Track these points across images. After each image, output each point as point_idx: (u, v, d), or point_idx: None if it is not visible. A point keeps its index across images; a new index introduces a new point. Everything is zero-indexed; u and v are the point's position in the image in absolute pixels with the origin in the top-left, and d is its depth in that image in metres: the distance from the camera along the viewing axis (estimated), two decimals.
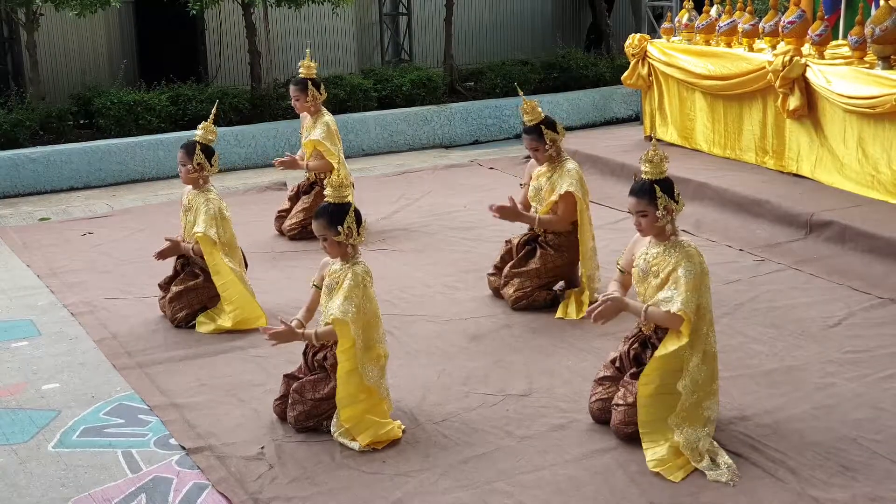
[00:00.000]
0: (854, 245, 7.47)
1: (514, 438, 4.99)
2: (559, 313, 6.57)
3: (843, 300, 6.72)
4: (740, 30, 9.60)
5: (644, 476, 4.60)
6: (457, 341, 6.23)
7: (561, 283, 6.84)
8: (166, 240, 6.62)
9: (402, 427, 5.05)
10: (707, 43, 10.07)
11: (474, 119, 13.05)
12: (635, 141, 10.96)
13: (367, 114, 12.48)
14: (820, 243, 7.70)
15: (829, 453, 4.74)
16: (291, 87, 8.44)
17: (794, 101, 8.67)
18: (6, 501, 4.58)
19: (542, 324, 6.45)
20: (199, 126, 6.59)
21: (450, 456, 4.84)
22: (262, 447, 4.95)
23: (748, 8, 9.61)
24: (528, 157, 10.94)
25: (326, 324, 5.00)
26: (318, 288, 5.17)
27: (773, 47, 9.17)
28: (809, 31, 8.77)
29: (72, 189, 10.82)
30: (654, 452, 4.69)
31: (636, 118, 13.11)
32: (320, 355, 5.12)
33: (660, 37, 11.03)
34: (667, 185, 4.83)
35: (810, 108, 8.67)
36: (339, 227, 4.92)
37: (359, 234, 4.98)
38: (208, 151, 6.51)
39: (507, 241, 6.98)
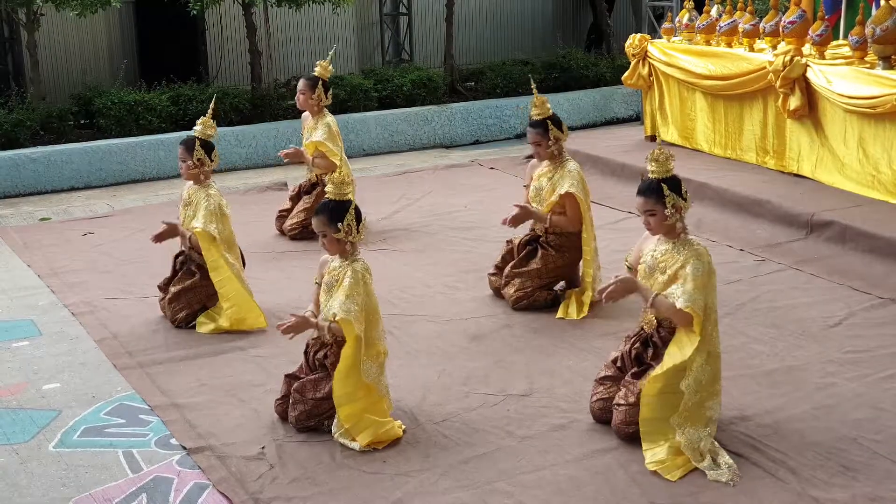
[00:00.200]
0: (855, 245, 7.47)
1: (515, 438, 4.99)
2: (560, 313, 6.57)
3: (843, 300, 6.72)
4: (741, 30, 9.60)
5: (645, 476, 4.60)
6: (457, 341, 6.23)
7: (562, 284, 6.84)
8: (163, 223, 6.61)
9: (403, 427, 5.06)
10: (707, 43, 10.07)
11: (475, 119, 13.05)
12: (636, 141, 10.96)
13: (368, 114, 12.48)
14: (820, 243, 7.70)
15: (829, 453, 4.74)
16: (301, 81, 8.47)
17: (794, 101, 8.67)
18: (7, 501, 4.58)
19: (543, 324, 6.45)
20: (198, 121, 6.59)
21: (450, 456, 4.84)
22: (263, 447, 4.95)
23: (749, 8, 9.61)
24: (529, 157, 10.96)
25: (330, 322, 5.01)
26: (320, 285, 5.18)
27: (774, 47, 9.17)
28: (810, 31, 8.77)
29: (72, 189, 10.82)
30: (653, 454, 4.69)
31: (637, 118, 13.11)
32: (321, 354, 5.12)
33: (660, 37, 11.04)
34: (674, 183, 4.82)
35: (811, 108, 8.67)
36: (339, 225, 4.92)
37: (358, 233, 4.98)
38: (208, 146, 6.51)
39: (508, 241, 6.98)
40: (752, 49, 9.42)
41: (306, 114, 8.55)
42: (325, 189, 5.07)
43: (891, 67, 8.03)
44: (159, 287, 6.74)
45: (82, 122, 11.80)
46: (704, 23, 10.07)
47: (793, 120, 8.88)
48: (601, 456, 4.78)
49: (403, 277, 7.40)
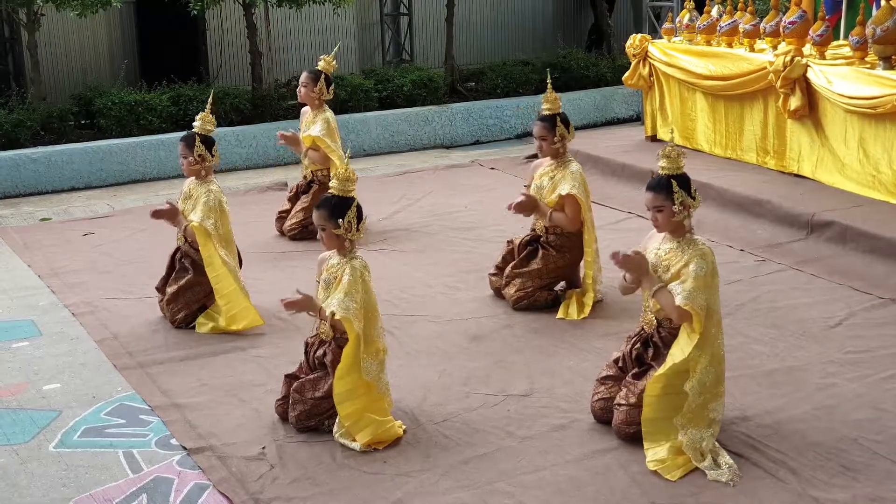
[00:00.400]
0: (855, 245, 7.47)
1: (515, 439, 4.99)
2: (560, 313, 6.57)
3: (844, 300, 6.72)
4: (741, 30, 9.60)
5: (645, 476, 4.60)
6: (458, 341, 6.23)
7: (562, 284, 6.84)
8: (167, 203, 6.61)
9: (403, 427, 5.05)
10: (708, 43, 10.07)
11: (475, 119, 13.05)
12: (636, 141, 10.96)
13: (368, 114, 12.48)
14: (821, 243, 7.70)
15: (829, 454, 4.74)
16: (304, 74, 8.47)
17: (795, 102, 8.67)
18: (7, 501, 4.58)
19: (544, 324, 6.45)
20: (197, 117, 6.59)
21: (451, 456, 4.84)
22: (263, 447, 4.95)
23: (749, 8, 9.61)
24: (529, 157, 10.99)
25: (327, 322, 5.01)
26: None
27: (774, 47, 9.17)
28: (810, 32, 8.77)
29: (73, 189, 10.82)
30: (654, 453, 4.69)
31: (637, 118, 13.11)
32: (320, 352, 5.12)
33: (661, 37, 11.03)
34: (684, 180, 4.82)
35: (811, 109, 8.67)
36: (340, 221, 4.92)
37: (358, 231, 4.98)
38: (208, 142, 6.51)
39: (508, 242, 6.98)
40: (752, 49, 9.41)
41: (306, 108, 8.56)
42: (330, 184, 5.06)
43: (891, 68, 8.02)
44: (157, 288, 6.73)
45: (83, 122, 11.80)
46: (705, 23, 10.06)
47: (793, 120, 8.88)
48: (601, 456, 4.78)
49: (404, 277, 7.40)
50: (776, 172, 9.13)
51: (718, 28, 9.89)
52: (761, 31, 9.35)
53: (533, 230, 6.82)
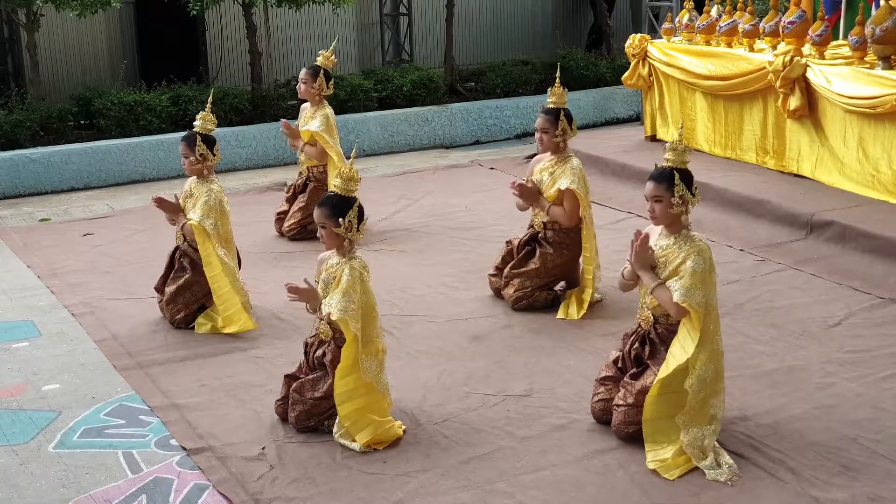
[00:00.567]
0: (855, 245, 7.47)
1: (515, 439, 4.99)
2: (560, 314, 6.57)
3: (843, 300, 6.72)
4: (741, 30, 9.60)
5: (645, 476, 4.60)
6: (457, 342, 6.23)
7: (562, 284, 6.84)
8: (175, 195, 6.61)
9: (403, 427, 5.06)
10: (707, 43, 10.07)
11: (475, 119, 13.05)
12: (636, 141, 10.96)
13: (368, 114, 12.48)
14: (820, 243, 7.70)
15: (829, 453, 4.74)
16: (303, 70, 8.48)
17: (794, 102, 8.67)
18: (6, 502, 4.58)
19: (543, 324, 6.45)
20: (198, 116, 6.58)
21: (450, 456, 4.84)
22: (263, 448, 4.95)
23: (748, 8, 9.61)
24: (529, 157, 10.98)
25: (325, 322, 5.02)
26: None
27: (774, 47, 9.17)
28: (810, 32, 8.77)
29: (72, 190, 10.82)
30: (655, 454, 4.69)
31: (637, 118, 13.11)
32: (319, 352, 5.12)
33: (660, 37, 11.04)
34: (686, 175, 4.83)
35: (811, 109, 8.67)
36: (340, 220, 4.92)
37: (358, 231, 4.98)
38: (209, 141, 6.51)
39: (507, 242, 6.98)
40: (751, 49, 9.41)
41: (306, 103, 8.57)
42: (333, 182, 5.06)
43: (890, 67, 8.03)
44: (156, 288, 6.73)
45: (82, 122, 11.80)
46: (704, 23, 10.07)
47: (793, 120, 8.88)
48: (601, 456, 4.78)
49: (403, 278, 7.40)
50: (776, 172, 9.14)
51: (718, 28, 9.90)
52: (760, 30, 9.35)
53: (531, 227, 6.82)
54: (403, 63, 14.55)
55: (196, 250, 6.44)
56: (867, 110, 8.03)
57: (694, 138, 10.11)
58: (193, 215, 6.40)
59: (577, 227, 6.64)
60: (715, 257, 4.87)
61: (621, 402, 4.88)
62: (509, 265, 6.78)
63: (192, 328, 6.51)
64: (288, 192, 8.74)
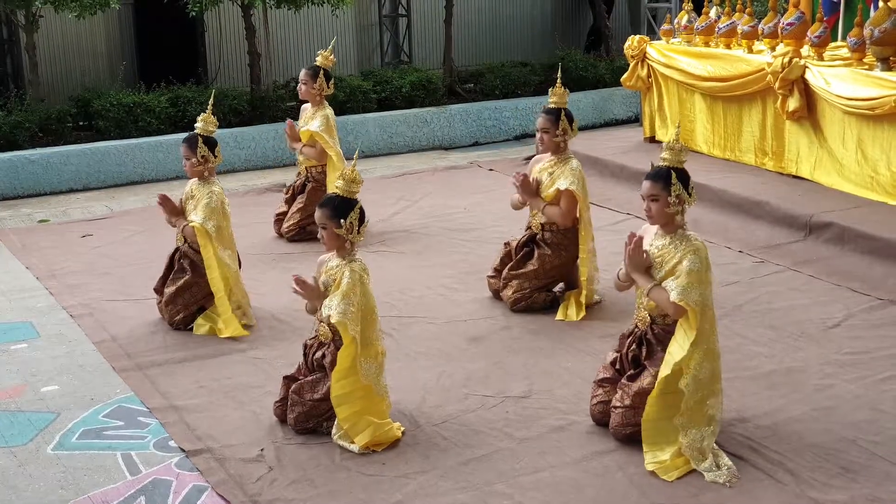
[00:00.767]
0: (853, 246, 7.47)
1: (514, 440, 4.99)
2: (559, 315, 6.57)
3: (842, 301, 6.72)
4: (739, 31, 9.60)
5: (644, 478, 4.60)
6: (456, 343, 6.23)
7: (560, 285, 6.84)
8: (181, 199, 6.61)
9: (402, 429, 5.06)
10: (706, 44, 10.07)
11: (474, 121, 13.05)
12: (635, 142, 10.96)
13: (367, 115, 12.48)
14: (819, 245, 7.70)
15: (828, 455, 4.74)
16: (303, 71, 8.50)
17: (793, 103, 8.67)
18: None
19: (542, 325, 6.46)
20: (199, 118, 6.59)
21: (449, 458, 4.84)
22: (262, 449, 4.95)
23: (747, 10, 9.61)
24: (528, 159, 10.98)
25: (325, 324, 5.02)
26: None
27: (773, 49, 9.17)
28: (808, 33, 8.77)
29: (71, 191, 10.82)
30: (653, 455, 4.69)
31: (636, 120, 13.11)
32: (319, 354, 5.12)
33: (659, 38, 11.04)
34: (683, 175, 4.83)
35: (809, 110, 8.68)
36: (342, 220, 4.92)
37: (359, 233, 4.99)
38: (211, 143, 6.52)
39: (506, 244, 6.98)
40: (750, 51, 9.42)
41: (307, 104, 8.57)
42: (336, 184, 5.06)
43: (889, 69, 8.03)
44: (155, 289, 6.73)
45: (81, 123, 11.79)
46: (703, 24, 10.07)
47: (791, 121, 8.89)
48: (600, 458, 4.78)
49: (402, 279, 7.40)
50: (774, 173, 9.14)
51: (717, 29, 9.90)
52: (759, 32, 9.35)
53: (529, 227, 6.82)
54: (402, 64, 14.55)
55: (197, 252, 6.44)
56: (866, 112, 8.03)
57: (693, 139, 10.11)
58: (195, 217, 6.40)
59: (574, 228, 6.65)
60: (714, 258, 4.88)
61: (619, 404, 4.88)
62: (508, 266, 6.78)
63: (191, 329, 6.51)
64: (287, 194, 8.74)
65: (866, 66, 8.25)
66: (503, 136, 13.20)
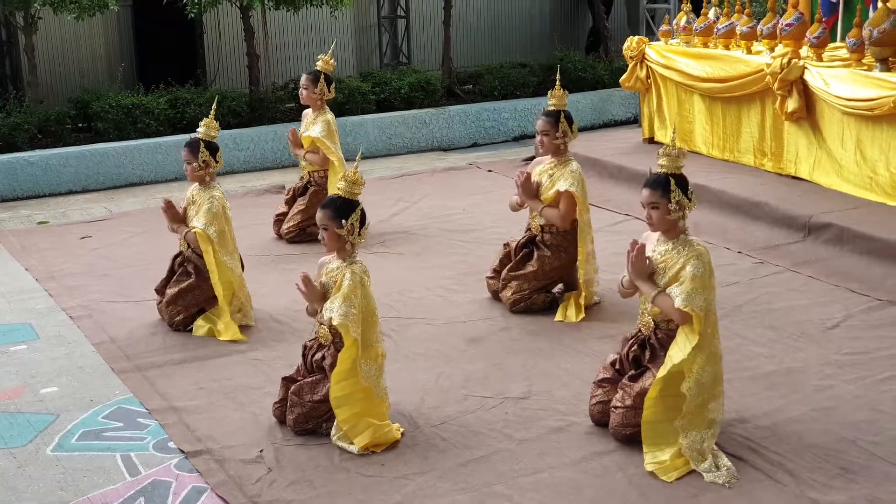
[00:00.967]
0: (852, 247, 7.47)
1: (513, 441, 4.99)
2: (558, 316, 6.57)
3: (841, 302, 6.72)
4: (738, 32, 9.60)
5: (643, 479, 4.60)
6: (455, 344, 6.23)
7: (560, 286, 6.84)
8: (183, 207, 6.62)
9: (401, 430, 5.06)
10: (705, 45, 10.08)
11: (472, 122, 13.05)
12: (634, 143, 10.96)
13: (366, 116, 12.48)
14: (818, 245, 7.70)
15: (827, 455, 4.74)
16: (304, 76, 8.51)
17: (792, 104, 8.68)
18: None
19: (541, 326, 6.45)
20: (201, 123, 6.61)
21: (448, 459, 4.84)
22: (261, 450, 4.95)
23: (746, 10, 9.61)
24: (527, 160, 10.98)
25: (325, 326, 5.02)
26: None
27: (772, 50, 9.18)
28: (807, 34, 8.77)
29: (70, 192, 10.82)
30: (653, 456, 4.69)
31: (635, 120, 13.11)
32: (318, 355, 5.12)
33: (658, 39, 11.04)
34: (681, 181, 4.83)
35: (808, 111, 8.68)
36: (343, 221, 4.92)
37: (360, 235, 4.99)
38: (212, 148, 6.53)
39: (505, 245, 6.98)
40: (749, 51, 9.42)
41: (308, 109, 8.58)
42: (338, 185, 5.06)
43: (888, 69, 8.03)
44: (156, 289, 6.74)
45: (80, 125, 11.79)
46: (702, 25, 10.07)
47: (790, 122, 8.89)
48: (599, 459, 4.78)
49: (401, 280, 7.40)
50: (773, 174, 9.14)
51: (715, 30, 9.90)
52: (758, 33, 9.35)
53: (529, 229, 6.82)
54: (401, 65, 14.55)
55: (200, 257, 6.46)
56: (865, 112, 8.03)
57: (692, 140, 10.12)
58: (197, 223, 6.41)
59: (574, 230, 6.64)
60: (713, 259, 4.87)
61: (619, 404, 4.88)
62: (507, 267, 6.78)
63: (191, 331, 6.51)
64: (288, 195, 8.74)
65: (865, 67, 8.25)
66: (502, 137, 13.20)
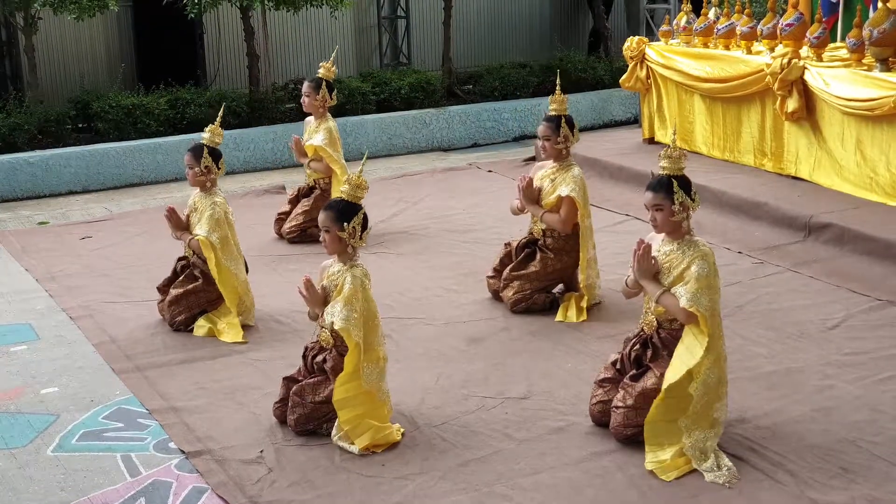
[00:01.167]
0: (853, 247, 7.47)
1: (513, 441, 4.99)
2: (559, 316, 6.57)
3: (841, 302, 6.72)
4: (738, 32, 9.60)
5: (643, 479, 4.60)
6: (456, 344, 6.23)
7: (560, 286, 6.83)
8: (187, 214, 6.63)
9: (402, 430, 5.06)
10: (705, 45, 10.07)
11: (473, 122, 13.05)
12: (634, 144, 10.96)
13: (366, 117, 12.48)
14: (819, 245, 7.70)
15: (828, 455, 4.74)
16: (305, 84, 8.51)
17: (792, 104, 8.68)
18: None
19: (541, 326, 6.45)
20: (206, 129, 6.64)
21: (449, 459, 4.84)
22: (262, 451, 4.95)
23: (746, 10, 9.62)
24: (527, 160, 10.98)
25: (327, 329, 5.02)
26: None
27: (772, 50, 9.18)
28: (807, 34, 8.77)
29: (70, 193, 10.82)
30: (654, 455, 4.69)
31: (635, 121, 13.11)
32: (320, 357, 5.12)
33: (658, 39, 11.05)
34: (684, 181, 4.83)
35: (809, 111, 8.68)
36: (345, 224, 4.92)
37: (361, 238, 4.99)
38: (215, 154, 6.55)
39: (506, 244, 6.98)
40: (749, 52, 9.42)
41: (310, 116, 8.59)
42: (341, 188, 5.07)
43: (888, 69, 8.03)
44: (158, 288, 6.74)
45: (80, 125, 11.80)
46: (702, 25, 10.07)
47: (791, 122, 8.89)
48: (600, 459, 4.78)
49: (401, 280, 7.40)
50: (774, 174, 9.14)
51: (715, 30, 9.90)
52: (758, 33, 9.35)
53: (530, 233, 6.82)
54: (401, 66, 14.55)
55: (206, 262, 6.46)
56: (865, 112, 8.03)
57: (692, 141, 10.12)
58: (200, 230, 6.42)
59: (576, 234, 6.63)
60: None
61: (620, 404, 4.88)
62: (508, 267, 6.77)
63: (191, 330, 6.51)
64: (292, 194, 8.74)
65: (865, 67, 8.25)
66: (502, 138, 13.20)
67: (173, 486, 4.69)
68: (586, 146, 10.79)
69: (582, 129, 13.46)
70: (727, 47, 9.80)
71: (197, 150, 6.53)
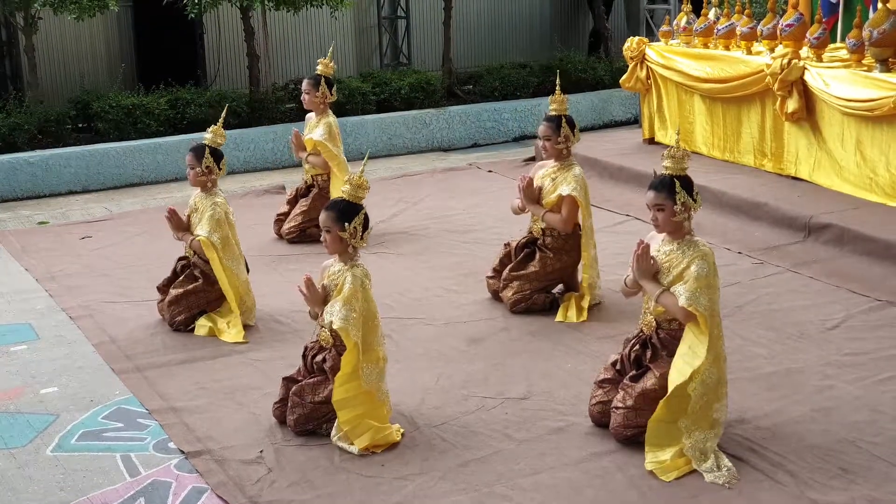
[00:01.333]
0: (853, 248, 7.47)
1: (513, 442, 4.98)
2: (559, 317, 6.57)
3: (841, 303, 6.72)
4: (738, 33, 9.60)
5: (643, 479, 4.60)
6: (455, 344, 6.23)
7: (560, 287, 6.83)
8: (187, 215, 6.63)
9: (402, 431, 5.06)
10: (705, 46, 10.07)
11: (473, 122, 13.05)
12: (634, 144, 10.96)
13: (366, 117, 12.48)
14: (818, 246, 7.70)
15: (827, 456, 4.74)
16: (305, 81, 8.53)
17: (792, 104, 8.68)
18: None
19: (541, 327, 6.45)
20: (209, 129, 6.65)
21: (448, 459, 4.83)
22: (261, 451, 4.95)
23: (746, 11, 9.62)
24: (527, 160, 10.98)
25: (326, 329, 5.02)
26: None
27: (772, 50, 9.18)
28: (807, 34, 8.77)
29: (70, 193, 10.82)
30: (654, 455, 4.68)
31: (635, 121, 13.10)
32: (319, 357, 5.12)
33: (658, 40, 11.05)
34: (686, 182, 4.84)
35: (808, 111, 8.68)
36: (346, 224, 4.93)
37: (362, 238, 4.99)
38: (217, 154, 6.55)
39: (505, 245, 6.98)
40: (749, 52, 9.42)
41: (311, 113, 8.60)
42: (342, 188, 5.07)
43: (888, 70, 8.03)
44: (158, 288, 6.74)
45: (80, 125, 11.80)
46: (702, 26, 10.07)
47: (790, 123, 8.89)
48: (599, 459, 4.78)
49: (401, 281, 7.40)
50: (774, 175, 9.14)
51: (715, 31, 9.90)
52: (758, 33, 9.36)
53: (530, 232, 6.81)
54: (401, 66, 14.56)
55: (207, 263, 6.47)
56: (865, 113, 8.04)
57: (692, 141, 10.11)
58: (201, 231, 6.43)
59: (576, 234, 6.64)
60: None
61: (620, 405, 4.88)
62: (508, 267, 6.77)
63: (191, 330, 6.51)
64: (291, 195, 8.75)
65: (865, 68, 8.25)
66: (502, 138, 13.20)
67: (173, 486, 4.69)
68: (586, 146, 10.78)
69: (582, 130, 13.43)
70: (727, 48, 9.80)
71: (199, 151, 6.54)
